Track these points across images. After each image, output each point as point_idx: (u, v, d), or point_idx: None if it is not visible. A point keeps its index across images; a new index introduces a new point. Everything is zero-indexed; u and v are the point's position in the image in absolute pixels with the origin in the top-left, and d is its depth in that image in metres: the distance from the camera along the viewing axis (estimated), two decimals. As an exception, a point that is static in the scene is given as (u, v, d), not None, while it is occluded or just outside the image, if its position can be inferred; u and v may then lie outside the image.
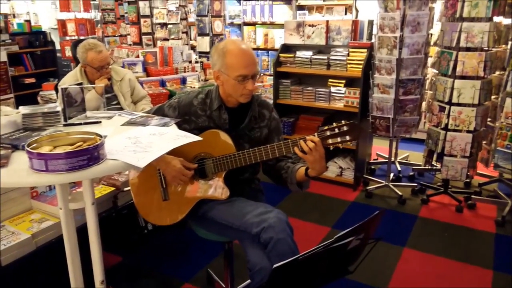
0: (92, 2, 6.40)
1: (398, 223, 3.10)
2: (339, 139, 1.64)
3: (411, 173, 3.93)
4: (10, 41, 5.77)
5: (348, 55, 3.46)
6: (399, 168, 4.03)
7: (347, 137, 1.64)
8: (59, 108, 1.40)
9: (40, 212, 1.81)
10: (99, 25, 6.16)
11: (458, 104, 3.05)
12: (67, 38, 5.32)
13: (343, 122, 1.65)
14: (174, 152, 1.74)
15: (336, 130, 1.64)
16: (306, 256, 1.11)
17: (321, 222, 3.06)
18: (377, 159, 4.30)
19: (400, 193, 3.42)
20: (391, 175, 3.76)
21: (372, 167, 4.10)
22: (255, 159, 1.70)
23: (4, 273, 1.56)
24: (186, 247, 2.76)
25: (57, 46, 6.66)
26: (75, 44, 3.39)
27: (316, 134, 1.64)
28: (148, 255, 2.68)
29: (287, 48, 3.83)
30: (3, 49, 5.44)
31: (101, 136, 1.12)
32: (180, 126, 1.83)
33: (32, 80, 6.21)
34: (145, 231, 2.64)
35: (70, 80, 2.83)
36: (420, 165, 3.87)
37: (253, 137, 1.86)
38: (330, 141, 1.64)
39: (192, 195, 1.78)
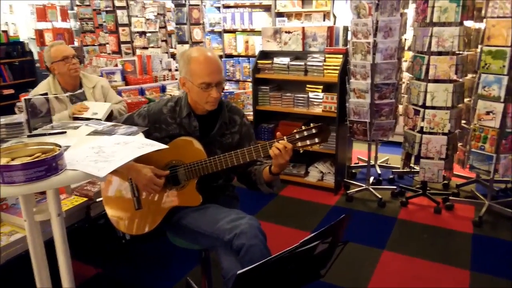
0: (70, 11, 6.36)
1: (378, 226, 3.13)
2: (308, 142, 1.65)
3: (391, 176, 3.98)
4: (-14, 52, 5.69)
5: (325, 60, 3.50)
6: (379, 172, 4.07)
7: (316, 140, 1.65)
8: (22, 119, 1.38)
9: (9, 224, 1.77)
10: (79, 34, 6.12)
11: (432, 107, 3.10)
12: (44, 48, 5.25)
13: (311, 125, 1.67)
14: (145, 160, 1.73)
15: (305, 133, 1.66)
16: (271, 261, 1.11)
17: (301, 227, 3.07)
18: (358, 163, 4.34)
19: (380, 196, 3.46)
20: (372, 178, 3.80)
21: (353, 171, 4.13)
22: (226, 164, 1.70)
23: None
24: (167, 255, 2.74)
25: (36, 57, 6.59)
26: (44, 54, 3.37)
27: (285, 137, 1.65)
28: (128, 265, 2.64)
29: (265, 54, 3.86)
30: (-21, 60, 5.37)
31: (60, 147, 1.10)
32: (150, 134, 1.82)
33: (11, 91, 6.13)
34: (123, 241, 2.61)
35: (42, 89, 2.80)
36: (399, 168, 3.92)
37: (225, 143, 1.87)
38: (299, 143, 1.66)
39: (165, 203, 1.77)
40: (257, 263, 1.09)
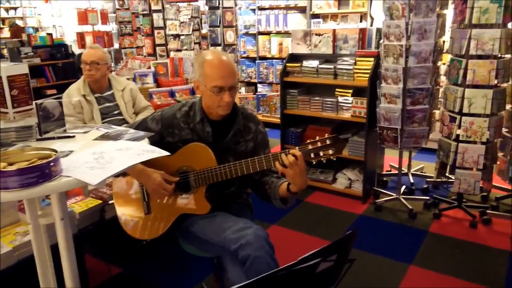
0: (110, 15, 6.59)
1: (407, 238, 2.97)
2: (321, 153, 1.59)
3: (425, 186, 3.77)
4: (32, 54, 5.99)
5: (355, 64, 3.37)
6: (412, 181, 3.87)
7: (330, 151, 1.58)
8: (32, 123, 1.41)
9: (25, 224, 1.82)
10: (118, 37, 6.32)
11: (470, 114, 2.91)
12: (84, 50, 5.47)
13: (326, 135, 1.60)
14: (157, 165, 1.73)
15: (319, 144, 1.59)
16: (264, 279, 1.05)
17: (325, 236, 2.97)
18: (390, 171, 4.16)
19: (410, 207, 3.28)
20: (403, 187, 3.63)
21: (385, 178, 3.96)
22: (235, 173, 1.66)
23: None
24: (185, 259, 2.74)
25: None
26: (79, 55, 3.51)
27: (297, 148, 1.59)
28: (147, 266, 2.66)
29: (294, 57, 3.78)
30: (25, 61, 5.68)
31: (56, 152, 1.10)
32: (164, 139, 1.82)
33: (54, 91, 6.41)
34: (144, 242, 2.64)
35: (73, 89, 2.92)
36: (434, 177, 3.71)
37: (238, 151, 1.82)
38: (312, 155, 1.59)
39: (173, 209, 1.75)
40: (249, 280, 1.03)
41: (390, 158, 4.31)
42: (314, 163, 1.61)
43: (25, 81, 3.10)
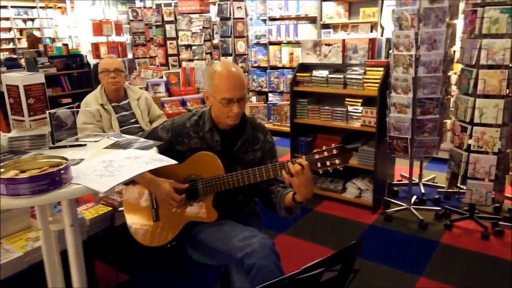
0: (124, 26, 6.72)
1: (417, 249, 2.93)
2: (328, 163, 1.59)
3: (436, 196, 3.72)
4: (48, 63, 6.14)
5: (365, 73, 3.38)
6: (423, 191, 3.83)
7: (337, 161, 1.59)
8: (44, 132, 1.45)
9: (37, 230, 1.87)
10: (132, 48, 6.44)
11: (481, 124, 2.88)
12: (99, 60, 5.58)
13: (333, 145, 1.61)
14: (165, 173, 1.76)
15: (325, 154, 1.60)
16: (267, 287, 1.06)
17: (334, 246, 2.95)
18: (401, 180, 4.13)
19: (421, 217, 3.24)
20: (414, 197, 3.59)
21: (395, 188, 3.93)
22: (243, 181, 1.68)
23: (-4, 290, 1.62)
24: (193, 267, 2.75)
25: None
26: (96, 66, 3.58)
27: (304, 157, 1.60)
28: (156, 274, 2.68)
29: (304, 67, 3.80)
30: (41, 71, 5.81)
31: (67, 160, 1.14)
32: (174, 147, 1.85)
33: (69, 100, 6.55)
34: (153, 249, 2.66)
35: (91, 98, 2.98)
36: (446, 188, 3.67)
37: (246, 160, 1.84)
38: (319, 164, 1.60)
39: (181, 217, 1.77)
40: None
41: (401, 168, 4.28)
42: (320, 172, 1.62)
43: (41, 90, 3.18)
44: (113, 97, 3.01)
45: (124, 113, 3.03)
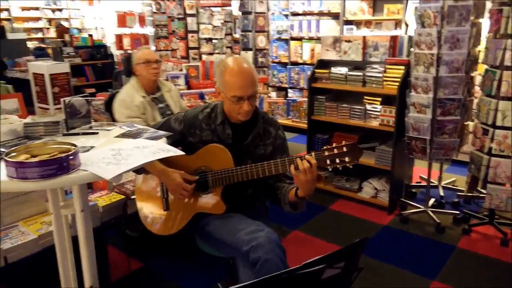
0: (147, 18, 6.80)
1: (432, 253, 2.87)
2: (337, 160, 1.58)
3: (456, 200, 3.63)
4: (74, 54, 6.28)
5: (385, 71, 3.32)
6: (442, 194, 3.74)
7: (346, 159, 1.57)
8: (58, 119, 1.49)
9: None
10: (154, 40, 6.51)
11: (504, 128, 2.79)
12: (122, 51, 5.67)
13: (343, 143, 1.59)
14: (176, 164, 1.77)
15: (335, 151, 1.58)
16: (266, 281, 1.06)
17: (345, 245, 2.92)
18: (419, 182, 4.04)
19: (438, 221, 3.17)
20: (432, 200, 3.51)
21: (413, 190, 3.85)
22: (251, 175, 1.68)
23: (9, 270, 1.67)
24: (204, 259, 2.77)
25: (116, 59, 7.14)
26: (128, 58, 3.47)
27: (313, 154, 1.59)
28: (168, 262, 2.72)
29: (323, 63, 3.76)
30: (67, 61, 5.95)
31: (76, 147, 1.16)
32: (186, 138, 1.86)
33: (93, 90, 6.68)
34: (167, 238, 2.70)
35: (128, 92, 2.85)
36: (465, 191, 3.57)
37: (257, 154, 1.84)
38: (328, 161, 1.58)
39: (190, 207, 1.79)
40: (249, 282, 1.04)
41: (420, 169, 4.19)
42: (330, 169, 1.61)
43: (66, 79, 3.25)
44: (150, 89, 2.92)
45: (160, 105, 2.95)
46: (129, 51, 5.70)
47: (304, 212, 3.15)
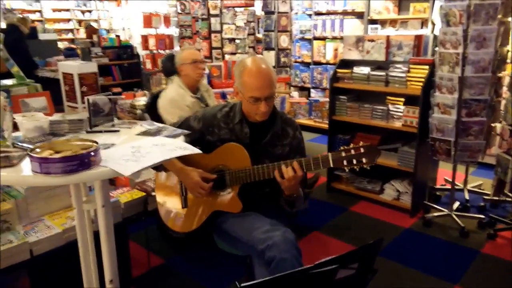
0: (172, 19, 6.91)
1: (455, 257, 2.81)
2: (354, 161, 1.57)
3: (482, 204, 3.53)
4: (101, 54, 6.45)
5: (409, 71, 3.26)
6: (467, 197, 3.64)
7: (364, 160, 1.56)
8: (82, 117, 1.54)
9: (76, 210, 1.99)
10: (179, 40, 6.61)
11: (532, 129, 2.70)
12: (148, 52, 5.78)
13: (360, 143, 1.58)
14: (194, 163, 1.81)
15: (352, 152, 1.57)
16: (279, 279, 1.07)
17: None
18: (444, 185, 3.95)
19: (462, 225, 3.10)
20: (457, 203, 3.43)
21: (437, 193, 3.77)
22: (268, 175, 1.69)
23: (35, 262, 1.74)
24: (223, 257, 2.80)
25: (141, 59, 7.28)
26: (169, 57, 3.39)
27: (330, 154, 1.59)
28: (189, 260, 2.76)
29: (345, 63, 3.73)
30: (94, 61, 6.12)
31: (97, 144, 1.20)
32: (204, 136, 1.89)
33: (119, 89, 6.84)
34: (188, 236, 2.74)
35: (176, 92, 2.84)
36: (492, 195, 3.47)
37: (275, 153, 1.85)
38: (345, 162, 1.58)
39: (208, 205, 1.82)
40: (262, 279, 1.05)
41: (445, 172, 4.09)
42: (347, 170, 1.60)
43: (94, 78, 3.34)
44: (192, 89, 2.91)
45: (202, 104, 2.95)
46: (154, 51, 5.80)
47: (322, 212, 3.14)
